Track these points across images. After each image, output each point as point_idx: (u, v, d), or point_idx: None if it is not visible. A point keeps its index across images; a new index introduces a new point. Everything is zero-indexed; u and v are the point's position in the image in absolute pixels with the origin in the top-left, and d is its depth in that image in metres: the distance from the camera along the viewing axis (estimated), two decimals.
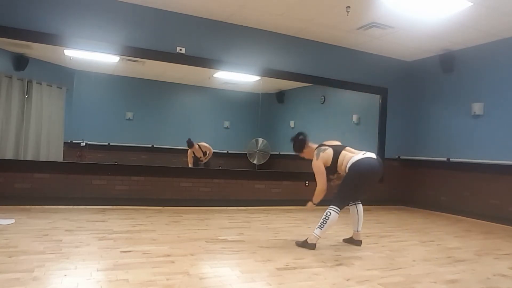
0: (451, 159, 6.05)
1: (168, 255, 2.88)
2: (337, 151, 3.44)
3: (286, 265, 2.81)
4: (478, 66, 5.85)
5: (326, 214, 3.29)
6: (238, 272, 2.63)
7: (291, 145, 3.61)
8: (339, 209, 3.32)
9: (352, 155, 3.38)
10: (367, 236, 4.03)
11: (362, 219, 3.60)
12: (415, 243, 3.85)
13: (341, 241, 3.73)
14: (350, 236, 3.66)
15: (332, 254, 3.23)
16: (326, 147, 3.48)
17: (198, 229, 3.92)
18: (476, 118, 5.80)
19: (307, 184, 6.17)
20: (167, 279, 2.36)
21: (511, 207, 5.24)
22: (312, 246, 3.31)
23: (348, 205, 3.58)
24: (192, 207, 5.24)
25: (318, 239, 3.33)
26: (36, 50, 5.01)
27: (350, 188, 3.41)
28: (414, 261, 3.16)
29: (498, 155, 5.39)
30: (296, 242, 3.47)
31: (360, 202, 3.65)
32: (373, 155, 3.39)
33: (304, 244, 3.35)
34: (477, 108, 5.76)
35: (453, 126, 6.14)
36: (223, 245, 3.34)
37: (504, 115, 5.43)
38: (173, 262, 2.73)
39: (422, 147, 6.64)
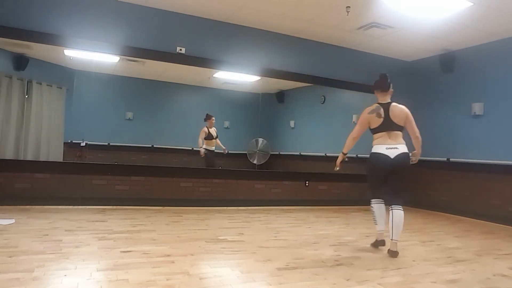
0: (451, 159, 6.05)
1: (168, 255, 2.88)
2: (383, 125, 3.37)
3: (286, 265, 2.81)
4: (478, 66, 5.85)
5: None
6: (238, 272, 2.62)
7: (381, 80, 3.57)
8: (371, 200, 3.51)
9: (378, 144, 3.39)
10: (367, 236, 4.04)
11: (396, 228, 3.23)
12: (415, 243, 3.85)
13: (342, 241, 3.73)
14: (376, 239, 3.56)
15: (332, 254, 3.22)
16: (379, 110, 3.41)
17: (198, 229, 3.92)
18: (476, 118, 5.80)
19: (307, 184, 6.18)
20: (167, 279, 2.36)
21: (511, 207, 5.24)
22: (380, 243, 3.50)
23: (378, 197, 3.50)
24: (192, 207, 5.24)
25: (380, 233, 3.52)
26: (36, 50, 5.01)
27: (369, 178, 3.55)
28: (414, 261, 3.15)
29: (498, 155, 5.38)
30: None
31: (396, 207, 3.26)
32: (390, 152, 3.31)
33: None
34: (477, 108, 5.75)
35: (453, 126, 6.14)
36: (223, 245, 3.34)
37: (504, 115, 5.43)
38: (173, 262, 2.72)
39: (422, 147, 6.62)
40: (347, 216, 5.41)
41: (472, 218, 5.63)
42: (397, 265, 2.99)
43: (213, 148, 6.64)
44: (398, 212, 3.23)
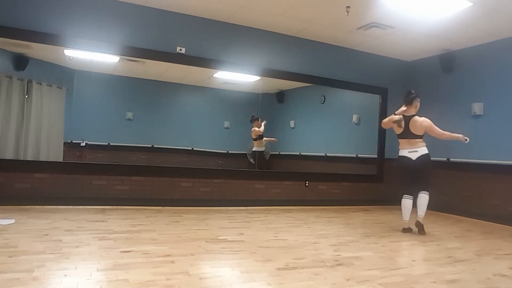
0: (451, 159, 6.05)
1: (168, 255, 2.88)
2: (403, 134, 4.27)
3: (286, 265, 2.81)
4: (478, 66, 5.85)
5: None
6: (238, 272, 2.63)
7: (405, 96, 4.32)
8: (402, 195, 4.34)
9: (401, 149, 4.34)
10: (367, 236, 4.04)
11: (420, 207, 4.24)
12: (415, 243, 3.85)
13: (342, 241, 3.73)
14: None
15: (332, 254, 3.22)
16: (400, 122, 4.26)
17: (198, 229, 3.92)
18: (476, 118, 5.80)
19: (307, 184, 6.18)
20: (167, 279, 2.36)
21: (511, 207, 5.24)
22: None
23: (408, 193, 4.33)
24: (192, 207, 5.24)
25: (404, 222, 4.36)
26: (36, 50, 5.01)
27: (400, 176, 4.53)
28: (414, 261, 3.16)
29: (498, 155, 5.38)
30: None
31: (422, 192, 4.27)
32: (412, 155, 4.21)
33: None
34: (477, 108, 5.75)
35: (453, 126, 6.11)
36: (223, 245, 3.34)
37: (504, 115, 5.43)
38: (173, 262, 2.73)
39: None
40: (347, 216, 5.41)
41: (472, 218, 5.63)
42: (397, 265, 3.00)
43: (263, 148, 6.81)
44: (422, 195, 4.26)
